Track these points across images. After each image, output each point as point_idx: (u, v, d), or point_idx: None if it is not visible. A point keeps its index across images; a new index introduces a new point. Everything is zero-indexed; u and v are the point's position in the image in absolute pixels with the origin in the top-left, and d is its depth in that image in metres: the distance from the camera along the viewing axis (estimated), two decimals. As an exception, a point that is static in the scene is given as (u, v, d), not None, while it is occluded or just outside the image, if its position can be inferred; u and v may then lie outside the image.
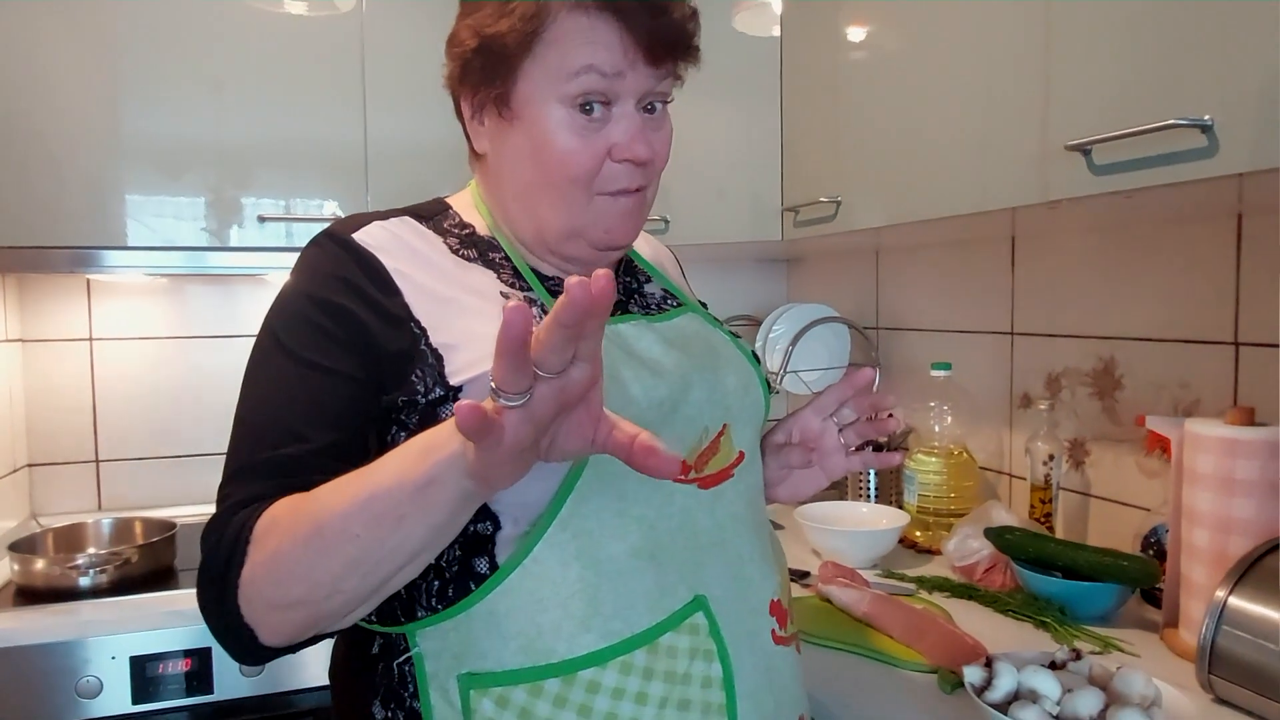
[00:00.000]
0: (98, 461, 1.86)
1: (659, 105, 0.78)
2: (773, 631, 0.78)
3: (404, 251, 0.75)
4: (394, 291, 0.72)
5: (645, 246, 0.96)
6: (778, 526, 1.72)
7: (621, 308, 0.83)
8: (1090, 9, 0.97)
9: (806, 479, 0.91)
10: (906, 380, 1.85)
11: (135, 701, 1.28)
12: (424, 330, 0.71)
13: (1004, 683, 0.87)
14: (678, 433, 0.75)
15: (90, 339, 1.85)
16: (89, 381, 1.85)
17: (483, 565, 0.70)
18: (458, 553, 0.70)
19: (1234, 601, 0.93)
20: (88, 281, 1.85)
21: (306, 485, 0.64)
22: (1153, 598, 1.22)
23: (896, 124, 1.34)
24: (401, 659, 0.71)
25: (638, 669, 0.69)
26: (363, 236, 0.75)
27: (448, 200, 0.85)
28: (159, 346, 1.90)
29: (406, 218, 0.79)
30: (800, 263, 2.30)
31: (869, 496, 1.72)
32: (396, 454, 0.60)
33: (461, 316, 0.72)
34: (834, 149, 1.51)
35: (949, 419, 1.59)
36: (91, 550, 1.53)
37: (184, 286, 1.92)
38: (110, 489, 1.86)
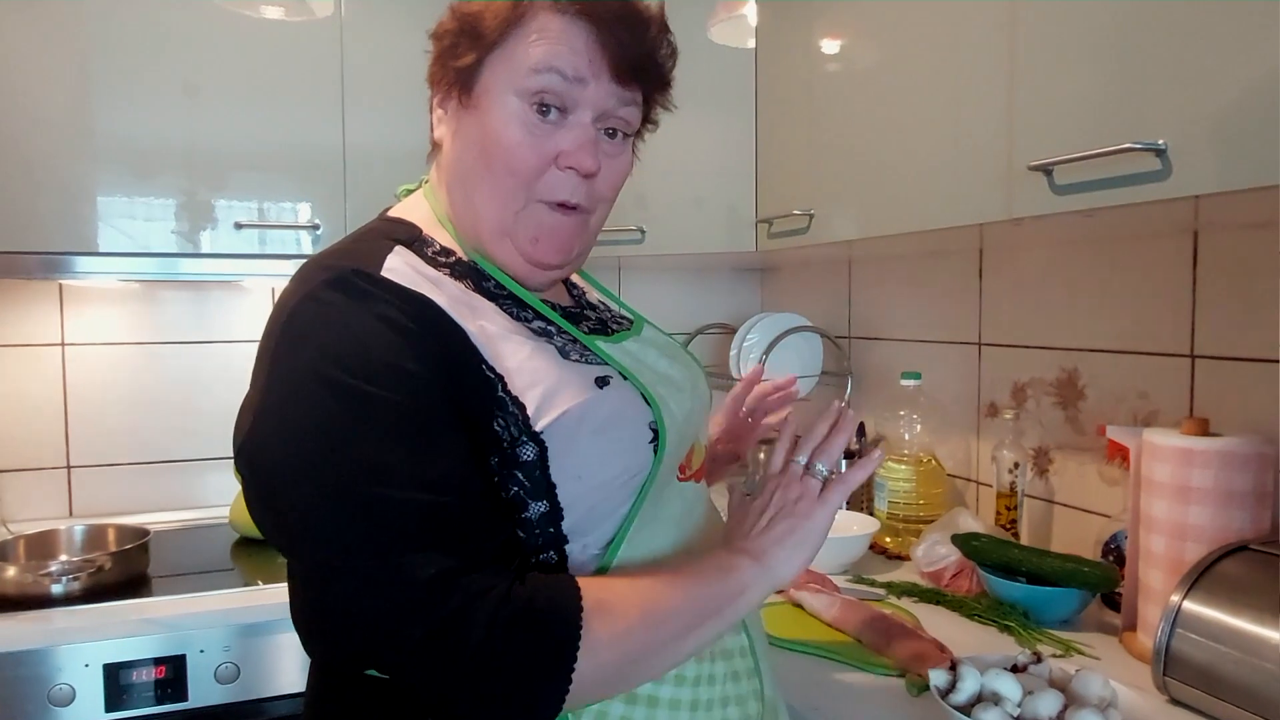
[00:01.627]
0: (69, 467, 1.84)
1: (620, 133, 0.77)
2: None
3: (434, 287, 0.69)
4: (456, 332, 0.67)
5: None
6: (751, 532, 1.74)
7: (604, 327, 0.84)
8: (1053, 36, 1.01)
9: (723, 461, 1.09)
10: (877, 389, 1.89)
11: (108, 709, 1.28)
12: (499, 376, 0.67)
13: (967, 686, 0.90)
14: (689, 439, 0.81)
15: (62, 344, 1.84)
16: (60, 387, 1.84)
17: None
18: None
19: (1188, 606, 0.96)
20: (60, 286, 1.84)
21: (518, 548, 0.68)
22: (1113, 602, 1.25)
23: (868, 140, 1.37)
24: None
25: (705, 654, 0.74)
26: (392, 276, 0.67)
27: (412, 221, 0.78)
28: (132, 352, 1.88)
29: (400, 248, 0.72)
30: (774, 272, 2.33)
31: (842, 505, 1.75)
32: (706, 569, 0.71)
33: (514, 355, 0.69)
34: (807, 162, 1.54)
35: (918, 427, 1.63)
36: (64, 557, 1.52)
37: (157, 292, 1.90)
38: (82, 495, 1.85)
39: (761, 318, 2.05)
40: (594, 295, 0.93)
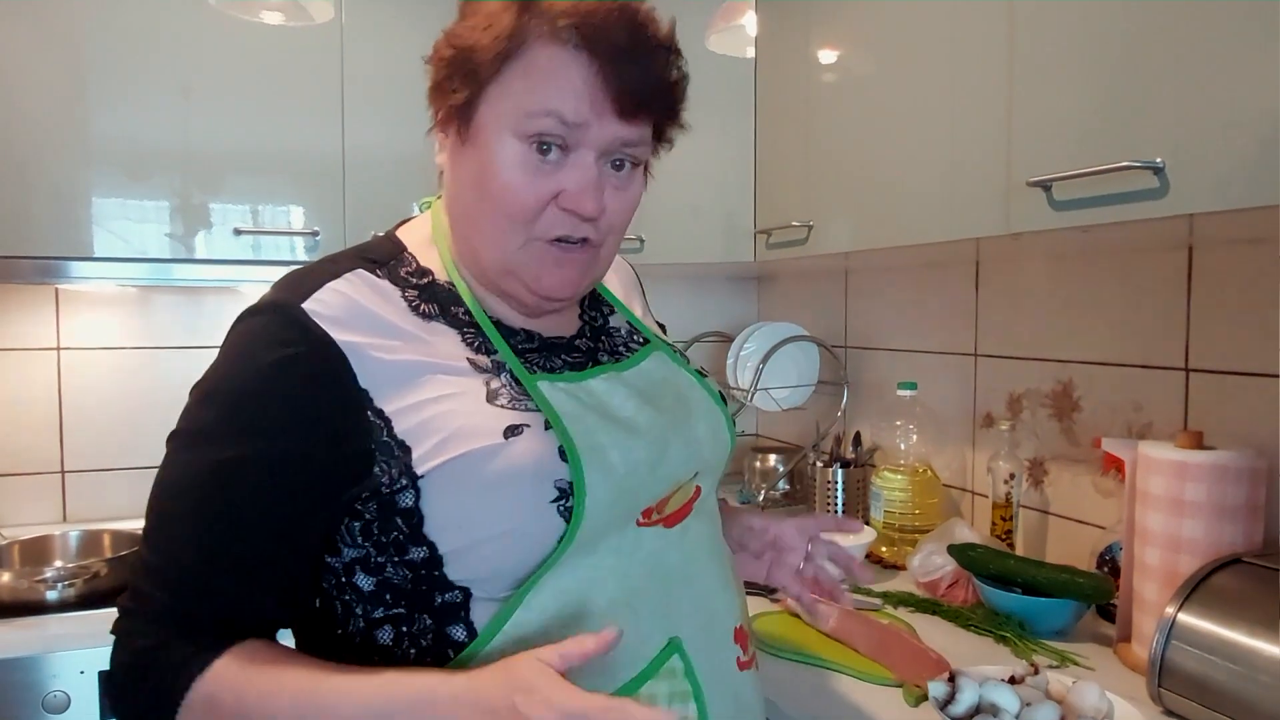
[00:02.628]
0: (63, 472, 1.83)
1: (628, 164, 0.73)
2: (737, 659, 0.78)
3: (360, 320, 0.69)
4: (349, 377, 0.66)
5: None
6: (747, 541, 1.75)
7: (591, 358, 0.79)
8: (1052, 53, 1.02)
9: (749, 565, 0.95)
10: (873, 399, 1.90)
11: (103, 716, 1.27)
12: (387, 421, 0.66)
13: (966, 697, 0.90)
14: (654, 492, 0.74)
15: (58, 349, 1.83)
16: (55, 392, 1.83)
17: (459, 633, 0.68)
18: (429, 622, 0.69)
19: (1183, 618, 0.97)
20: (56, 291, 1.83)
21: (248, 617, 0.67)
22: (1108, 613, 1.26)
23: (867, 153, 1.38)
24: None
25: None
26: (315, 307, 0.68)
27: (402, 238, 0.79)
28: (127, 357, 1.88)
29: (360, 271, 0.73)
30: (771, 281, 2.34)
31: (836, 512, 1.75)
32: (364, 698, 0.62)
33: (426, 394, 0.68)
34: (806, 174, 1.55)
35: (914, 437, 1.64)
36: (59, 563, 1.52)
37: (152, 296, 1.90)
38: (76, 501, 1.84)
39: (759, 327, 2.06)
40: (618, 319, 0.87)
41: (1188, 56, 0.86)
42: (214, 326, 1.93)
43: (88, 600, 1.37)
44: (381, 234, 0.82)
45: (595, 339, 0.82)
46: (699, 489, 0.80)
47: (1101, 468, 1.37)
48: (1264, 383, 1.14)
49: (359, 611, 0.71)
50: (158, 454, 0.72)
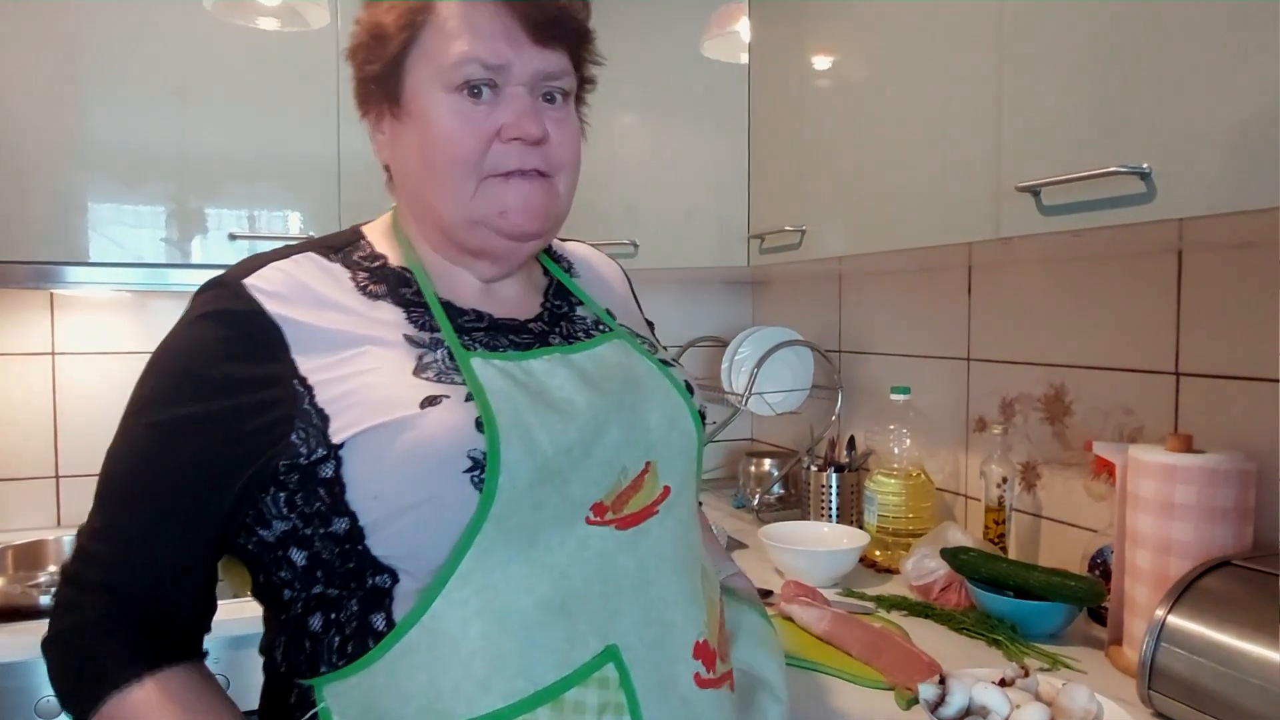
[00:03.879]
0: (57, 477, 1.84)
1: (559, 97, 0.76)
2: (696, 675, 0.74)
3: (300, 295, 0.71)
4: (279, 346, 0.69)
5: (587, 263, 0.94)
6: (741, 545, 1.75)
7: (540, 340, 0.78)
8: (1041, 59, 1.03)
9: None
10: (867, 403, 1.90)
11: (96, 722, 1.27)
12: (309, 389, 0.68)
13: (956, 699, 0.91)
14: (593, 477, 0.71)
15: (52, 353, 1.83)
16: (50, 396, 1.83)
17: (380, 622, 0.68)
18: (355, 608, 0.69)
19: (1172, 620, 0.97)
20: (51, 296, 1.83)
21: (172, 596, 0.71)
22: (1099, 616, 1.27)
23: (859, 158, 1.39)
24: (310, 713, 0.70)
25: None
26: (255, 282, 0.71)
27: (363, 229, 0.82)
28: (122, 361, 1.88)
29: (310, 253, 0.75)
30: (766, 286, 2.34)
31: (830, 516, 1.76)
32: None
33: (354, 366, 0.69)
34: (799, 178, 1.56)
35: (908, 441, 1.64)
36: (52, 568, 1.52)
37: (148, 301, 1.90)
38: (70, 506, 1.84)
39: (753, 331, 2.06)
40: (585, 310, 0.86)
41: (1175, 62, 0.87)
42: (209, 331, 1.93)
43: (81, 605, 1.37)
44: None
45: (553, 324, 0.81)
46: (667, 488, 0.76)
47: (1093, 471, 1.37)
48: (1253, 386, 1.14)
49: (297, 587, 0.71)
50: (152, 458, 0.73)
